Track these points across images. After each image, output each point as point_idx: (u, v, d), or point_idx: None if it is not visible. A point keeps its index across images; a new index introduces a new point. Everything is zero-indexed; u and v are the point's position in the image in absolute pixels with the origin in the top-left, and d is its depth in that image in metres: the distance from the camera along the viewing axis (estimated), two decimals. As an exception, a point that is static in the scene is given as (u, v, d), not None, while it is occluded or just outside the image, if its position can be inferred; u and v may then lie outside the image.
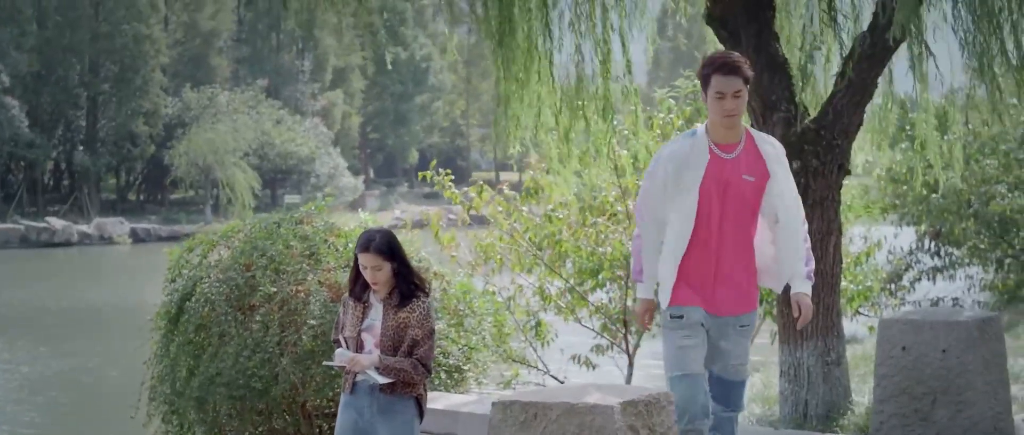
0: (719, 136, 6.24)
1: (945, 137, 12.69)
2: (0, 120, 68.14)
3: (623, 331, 12.64)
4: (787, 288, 6.43)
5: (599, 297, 12.86)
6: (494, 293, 11.73)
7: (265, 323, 8.53)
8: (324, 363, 7.17)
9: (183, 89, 78.60)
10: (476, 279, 11.87)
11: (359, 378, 6.26)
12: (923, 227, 20.12)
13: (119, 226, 68.29)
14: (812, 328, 9.19)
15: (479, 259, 12.93)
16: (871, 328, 14.89)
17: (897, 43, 8.90)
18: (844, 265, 12.70)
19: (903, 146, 17.88)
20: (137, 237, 67.68)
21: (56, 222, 66.62)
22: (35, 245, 63.13)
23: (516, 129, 10.21)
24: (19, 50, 70.69)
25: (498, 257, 12.88)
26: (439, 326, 8.65)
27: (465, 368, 9.04)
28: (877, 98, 10.09)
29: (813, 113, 9.48)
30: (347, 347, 6.32)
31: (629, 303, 12.43)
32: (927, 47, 8.91)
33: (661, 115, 12.70)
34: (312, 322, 8.39)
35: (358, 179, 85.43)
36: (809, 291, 6.31)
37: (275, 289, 8.63)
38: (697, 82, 6.99)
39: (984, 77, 8.75)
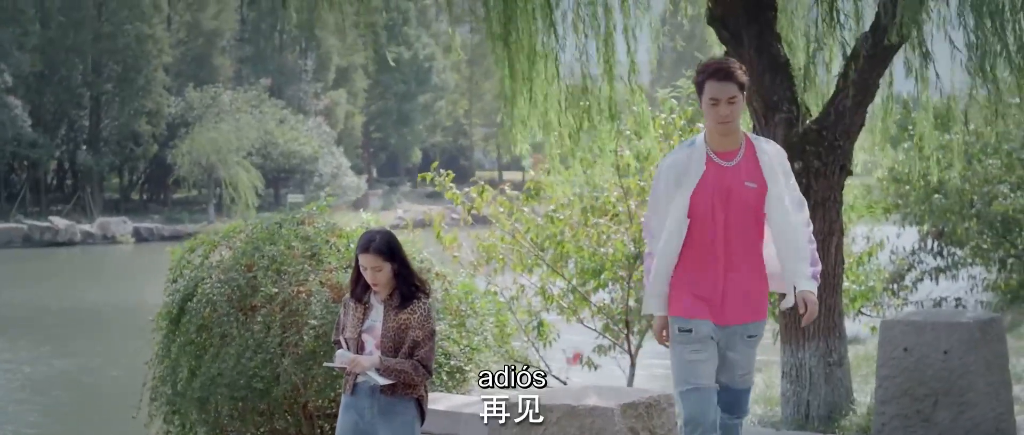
0: (717, 143, 6.16)
1: (947, 136, 12.69)
2: (3, 120, 68.14)
3: (625, 332, 12.63)
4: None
5: (601, 297, 12.86)
6: (496, 293, 11.73)
7: (267, 324, 8.53)
8: (325, 364, 7.17)
9: (186, 88, 78.55)
10: (478, 279, 11.87)
11: (360, 379, 6.26)
12: (926, 227, 20.10)
13: (122, 226, 68.29)
14: (814, 329, 9.19)
15: (481, 259, 12.93)
16: (873, 328, 14.88)
17: (899, 44, 8.89)
18: (846, 265, 12.72)
19: (905, 146, 17.86)
20: (140, 237, 67.69)
21: (59, 222, 66.63)
22: (38, 245, 63.14)
23: (522, 129, 10.22)
24: (22, 50, 70.65)
25: (500, 257, 12.87)
26: (441, 327, 8.65)
27: (467, 369, 9.03)
28: (879, 98, 10.09)
29: (815, 114, 9.47)
30: (348, 348, 6.32)
31: (631, 303, 12.43)
32: (928, 50, 8.91)
33: (663, 116, 12.69)
34: (313, 323, 8.38)
35: (361, 178, 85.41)
36: (815, 289, 6.24)
37: (276, 290, 8.63)
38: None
39: (985, 78, 8.75)
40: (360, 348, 6.29)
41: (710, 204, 6.08)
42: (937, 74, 9.21)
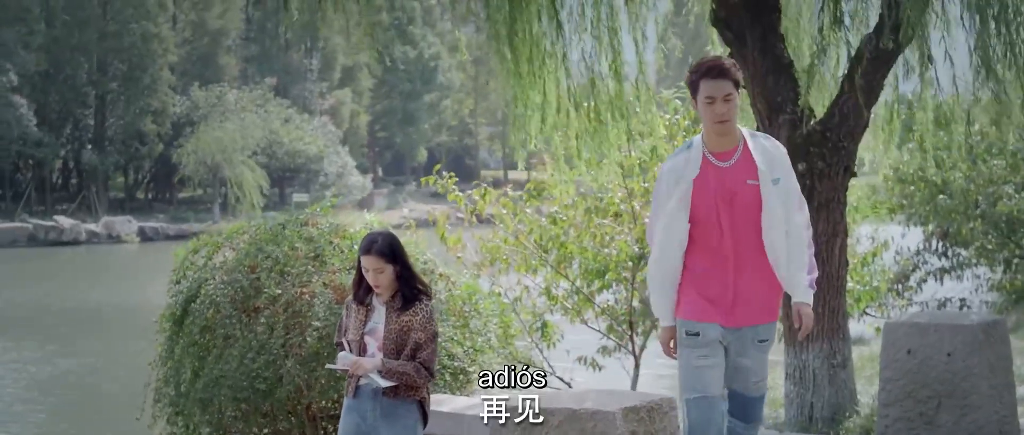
0: (714, 143, 6.03)
1: (951, 137, 12.67)
2: (8, 119, 68.20)
3: (629, 333, 12.63)
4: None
5: (605, 298, 12.85)
6: (500, 294, 11.71)
7: (270, 325, 8.53)
8: (326, 366, 7.17)
9: (191, 88, 78.62)
10: (482, 280, 11.87)
11: (362, 382, 6.26)
12: (930, 227, 20.08)
13: (127, 225, 68.35)
14: (818, 331, 9.18)
15: (485, 260, 12.92)
16: (878, 329, 14.87)
17: (903, 45, 8.88)
18: (851, 265, 12.71)
19: (910, 146, 17.85)
20: (145, 236, 67.75)
21: (64, 221, 66.69)
22: (43, 244, 63.21)
23: (529, 129, 10.22)
24: (27, 49, 70.72)
25: (504, 258, 12.87)
26: (444, 328, 8.65)
27: (470, 370, 9.02)
28: (884, 98, 10.08)
29: (819, 115, 9.46)
30: (350, 350, 6.32)
31: (635, 304, 12.43)
32: (931, 52, 8.90)
33: (667, 116, 12.68)
34: (317, 324, 8.38)
35: (366, 178, 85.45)
36: (810, 300, 6.11)
37: (280, 291, 8.62)
38: None
39: (989, 78, 8.74)
40: (362, 350, 6.29)
41: (714, 206, 5.94)
42: (938, 76, 9.20)
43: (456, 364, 8.88)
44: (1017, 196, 18.20)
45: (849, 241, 11.11)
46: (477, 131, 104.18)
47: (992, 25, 8.52)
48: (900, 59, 9.43)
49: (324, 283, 8.66)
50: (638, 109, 10.92)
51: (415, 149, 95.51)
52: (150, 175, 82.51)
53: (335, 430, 8.01)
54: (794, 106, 9.24)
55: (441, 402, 7.86)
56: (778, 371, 10.48)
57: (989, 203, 18.49)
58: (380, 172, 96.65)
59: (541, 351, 12.55)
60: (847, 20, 9.83)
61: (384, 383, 6.12)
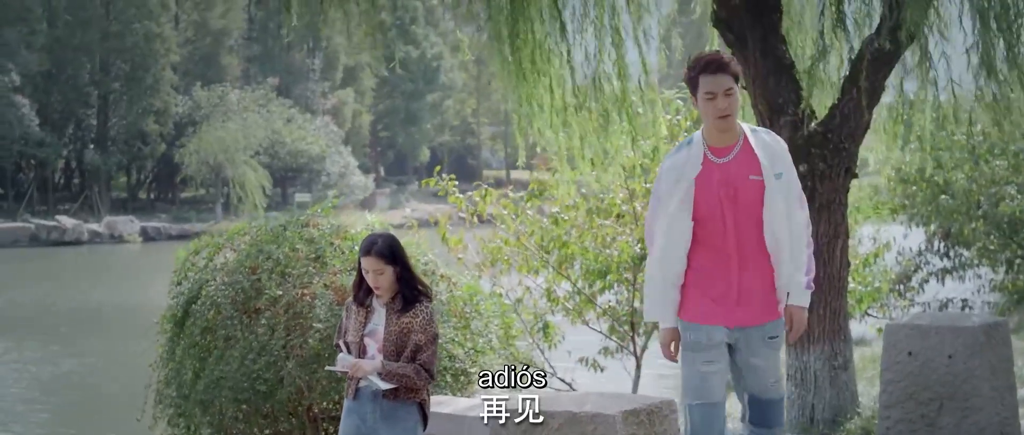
0: (715, 139, 5.94)
1: (953, 136, 12.67)
2: (11, 119, 68.28)
3: (631, 334, 12.62)
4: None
5: (607, 299, 12.83)
6: (501, 295, 11.69)
7: (271, 326, 8.53)
8: (327, 368, 7.16)
9: (194, 88, 78.69)
10: (483, 281, 11.86)
11: (362, 384, 6.25)
12: (932, 228, 20.06)
13: (129, 225, 68.41)
14: (819, 332, 9.16)
15: (486, 260, 12.91)
16: (879, 330, 14.85)
17: (905, 45, 8.87)
18: (853, 266, 12.70)
19: (912, 146, 17.82)
20: (147, 236, 67.81)
21: (66, 221, 66.75)
22: (45, 244, 63.26)
23: (532, 129, 10.22)
24: (29, 49, 70.83)
25: (505, 259, 12.86)
26: (445, 329, 8.65)
27: (471, 371, 9.01)
28: (886, 99, 10.06)
29: (820, 116, 9.44)
30: (350, 352, 6.32)
31: (636, 305, 12.41)
32: (931, 53, 8.89)
33: (668, 117, 12.67)
34: (318, 325, 8.38)
35: (369, 177, 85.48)
36: (806, 303, 6.02)
37: (281, 292, 8.63)
38: None
39: (990, 78, 8.74)
40: (362, 352, 6.28)
41: (717, 203, 5.84)
42: (937, 77, 9.19)
43: (457, 365, 8.88)
44: (1019, 197, 18.18)
45: (850, 242, 11.08)
46: (479, 131, 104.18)
47: (993, 25, 8.51)
48: (901, 60, 9.42)
49: (325, 284, 8.65)
50: (640, 109, 10.90)
51: (417, 149, 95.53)
52: (152, 175, 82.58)
53: (336, 432, 7.99)
54: (795, 107, 9.22)
55: (442, 403, 7.85)
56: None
57: (991, 204, 18.47)
58: (382, 172, 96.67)
59: (542, 352, 12.54)
60: (849, 21, 9.82)
61: (384, 385, 6.11)
